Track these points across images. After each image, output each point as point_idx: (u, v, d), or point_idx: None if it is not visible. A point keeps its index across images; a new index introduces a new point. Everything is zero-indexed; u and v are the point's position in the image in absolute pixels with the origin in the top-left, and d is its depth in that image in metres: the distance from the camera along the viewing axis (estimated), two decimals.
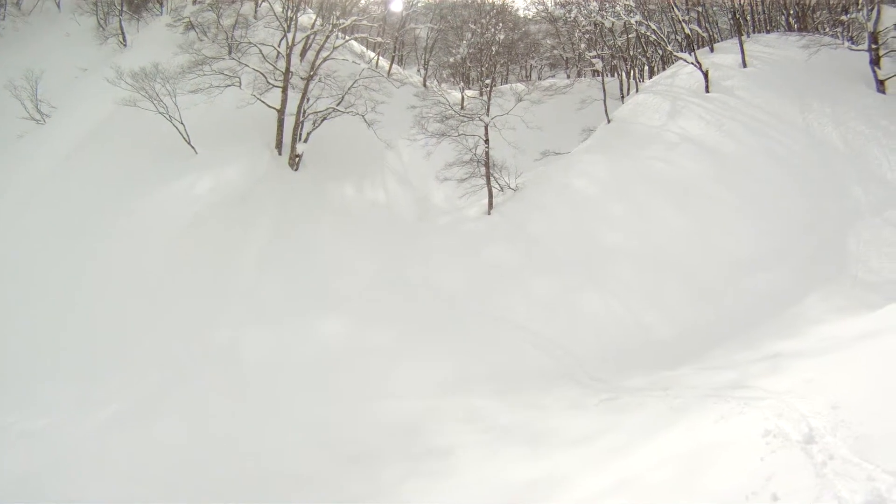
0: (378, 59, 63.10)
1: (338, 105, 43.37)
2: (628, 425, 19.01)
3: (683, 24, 46.21)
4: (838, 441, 11.82)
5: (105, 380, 26.47)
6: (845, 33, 43.27)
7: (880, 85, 37.21)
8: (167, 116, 39.97)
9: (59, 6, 64.15)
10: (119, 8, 58.42)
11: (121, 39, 56.07)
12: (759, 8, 51.18)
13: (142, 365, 27.51)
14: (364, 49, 63.56)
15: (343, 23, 46.35)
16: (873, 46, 37.37)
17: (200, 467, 21.05)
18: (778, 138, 35.43)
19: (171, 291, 31.87)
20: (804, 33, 42.72)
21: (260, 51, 43.57)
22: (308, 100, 43.15)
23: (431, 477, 19.71)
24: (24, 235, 35.04)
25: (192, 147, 40.56)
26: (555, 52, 69.64)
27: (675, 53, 47.18)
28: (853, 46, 39.71)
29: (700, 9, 50.72)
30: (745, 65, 41.70)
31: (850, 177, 31.99)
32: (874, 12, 36.77)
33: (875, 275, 26.69)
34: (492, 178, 41.40)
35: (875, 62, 37.65)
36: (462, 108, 46.92)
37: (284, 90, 42.77)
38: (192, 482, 20.30)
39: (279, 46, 44.77)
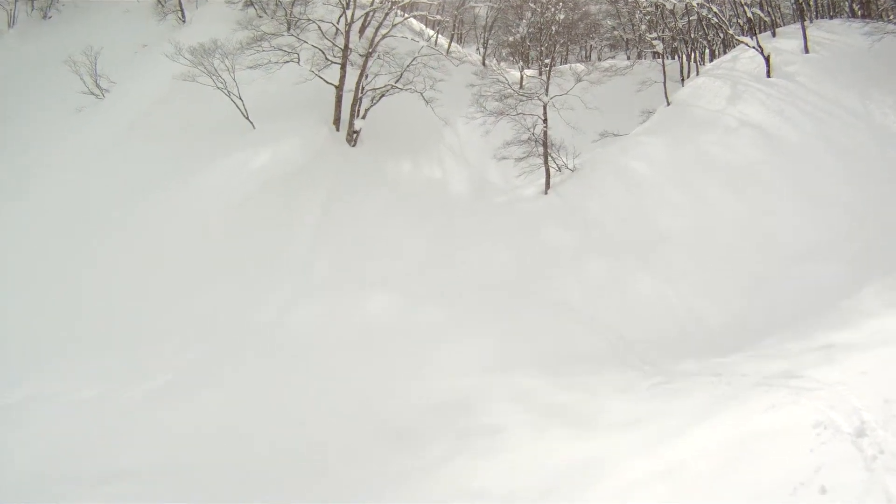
0: (437, 36, 63.05)
1: (396, 82, 43.37)
2: (678, 411, 18.98)
3: (745, 8, 45.51)
4: (890, 436, 11.73)
5: (155, 351, 26.95)
6: None
7: None
8: (226, 92, 40.32)
9: None
10: None
11: (179, 16, 56.64)
12: None
13: (192, 337, 28.01)
14: (423, 27, 63.47)
15: (402, 0, 46.33)
16: None
17: (247, 437, 21.37)
18: (838, 127, 34.95)
19: (224, 264, 32.28)
20: (868, 20, 41.88)
21: (319, 27, 43.62)
22: (367, 76, 43.19)
23: (479, 454, 19.73)
24: (84, 207, 35.65)
25: (251, 122, 40.91)
26: (615, 32, 69.09)
27: (736, 37, 46.72)
28: None
29: None
30: (807, 50, 41.06)
31: None
32: None
33: None
34: (549, 158, 41.34)
35: None
36: (521, 87, 46.70)
37: (343, 66, 42.82)
38: (238, 451, 20.61)
39: (338, 23, 44.74)
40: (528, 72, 54.26)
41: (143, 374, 25.42)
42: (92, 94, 47.99)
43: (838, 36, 41.46)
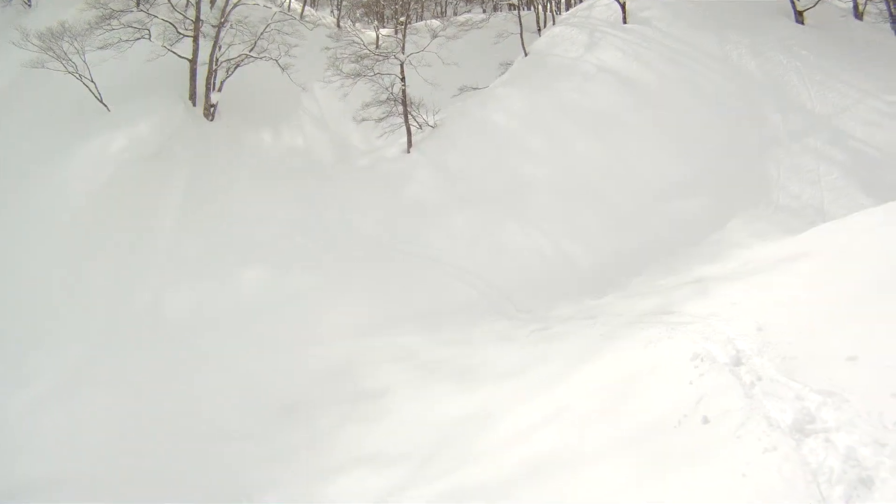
0: (290, 1, 61.97)
1: (251, 51, 42.24)
2: (557, 356, 19.11)
3: None
4: (765, 362, 11.85)
5: (29, 357, 25.37)
6: None
7: (798, 16, 37.78)
8: (77, 76, 38.47)
9: None
10: None
11: (25, 0, 54.20)
12: None
13: (66, 337, 26.47)
14: None
15: None
16: None
17: (134, 432, 20.60)
18: (696, 69, 35.68)
19: (88, 257, 30.74)
20: None
21: (168, 0, 42.31)
22: (220, 48, 41.90)
23: (366, 419, 19.73)
24: None
25: (105, 105, 39.24)
26: None
27: None
28: None
29: None
30: None
31: (768, 105, 32.47)
32: None
33: (795, 200, 27.25)
34: (410, 117, 41.03)
35: None
36: (377, 47, 46.26)
37: (196, 39, 41.39)
38: (127, 448, 19.87)
39: None
40: (383, 31, 53.89)
41: (19, 382, 24.04)
42: None
43: None
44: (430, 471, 15.77)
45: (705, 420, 10.96)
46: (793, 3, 38.00)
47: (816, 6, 37.71)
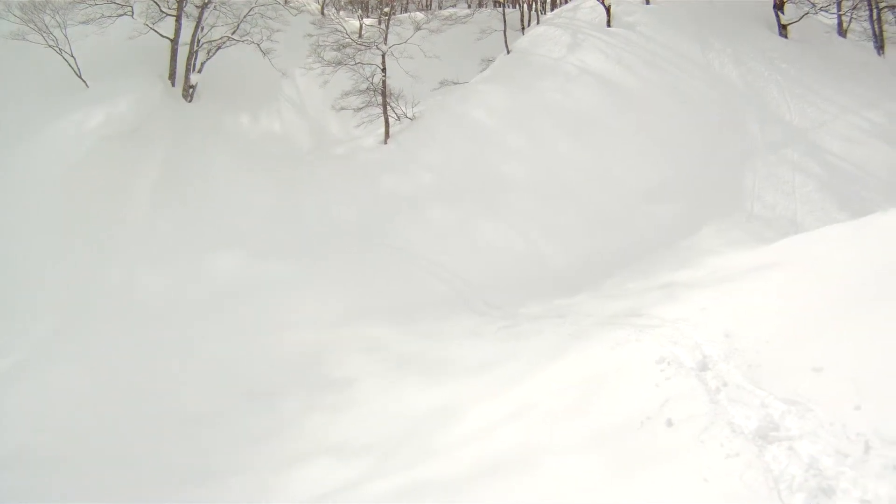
0: None
1: (233, 34, 41.99)
2: (525, 353, 19.12)
3: None
4: (732, 368, 11.91)
5: None
6: None
7: (782, 29, 38.15)
8: (57, 50, 37.96)
9: None
10: None
11: None
12: None
13: (34, 313, 26.09)
14: None
15: None
16: None
17: (101, 411, 20.37)
18: (678, 74, 35.90)
19: (60, 235, 30.38)
20: None
21: None
22: (202, 28, 41.51)
23: (333, 409, 19.62)
24: None
25: (84, 81, 38.80)
26: None
27: None
28: None
29: None
30: (647, 1, 41.88)
31: (748, 115, 32.80)
32: None
33: (770, 210, 27.50)
34: (388, 108, 40.93)
35: (779, 7, 38.73)
36: (360, 36, 46.18)
37: (178, 18, 40.97)
38: (93, 426, 19.64)
39: None
40: (367, 21, 53.64)
41: None
42: None
43: None
44: (392, 463, 15.68)
45: (669, 423, 10.95)
46: (777, 16, 38.34)
47: (801, 21, 38.00)
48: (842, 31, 39.97)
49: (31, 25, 37.11)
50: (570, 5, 46.97)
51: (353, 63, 41.03)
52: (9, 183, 31.73)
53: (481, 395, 17.08)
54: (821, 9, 39.31)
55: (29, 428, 19.84)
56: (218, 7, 41.55)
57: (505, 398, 16.09)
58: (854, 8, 39.34)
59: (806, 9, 38.52)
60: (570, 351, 17.45)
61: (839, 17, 40.03)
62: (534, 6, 54.60)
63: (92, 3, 38.83)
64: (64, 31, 37.81)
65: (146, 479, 17.05)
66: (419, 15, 50.54)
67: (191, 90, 40.91)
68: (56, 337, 24.78)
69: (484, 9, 62.24)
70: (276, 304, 26.71)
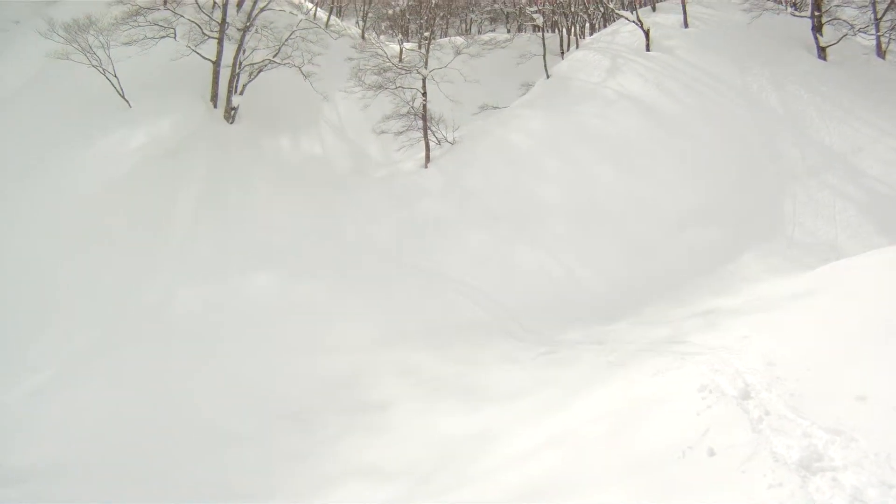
0: (316, 10, 61.99)
1: (274, 57, 42.28)
2: (563, 380, 19.06)
3: None
4: (774, 397, 11.82)
5: (34, 345, 25.43)
6: None
7: (821, 52, 37.85)
8: (100, 70, 38.41)
9: None
10: None
11: None
12: None
13: (72, 327, 26.47)
14: (302, 0, 62.52)
15: None
16: (816, 13, 37.97)
17: (134, 426, 20.59)
18: (716, 99, 35.72)
19: (101, 251, 30.76)
20: None
21: (195, 1, 42.24)
22: (244, 51, 41.97)
23: (367, 432, 19.62)
24: None
25: (126, 100, 39.24)
26: (495, 6, 69.06)
27: (616, 11, 47.19)
28: (796, 12, 40.28)
29: None
30: (686, 25, 41.83)
31: (787, 139, 32.53)
32: None
33: (810, 236, 27.25)
34: (429, 132, 41.00)
35: (817, 29, 38.31)
36: (400, 60, 46.32)
37: (220, 41, 41.37)
38: (126, 441, 19.86)
39: None
40: (407, 45, 53.88)
41: (22, 369, 24.05)
42: None
43: (717, 11, 42.46)
44: (429, 488, 15.65)
45: (711, 452, 10.87)
46: (816, 38, 38.05)
47: (839, 43, 37.74)
48: (881, 53, 39.65)
49: (75, 45, 37.60)
50: (609, 30, 46.97)
51: (393, 87, 41.16)
52: (52, 199, 32.21)
53: (519, 422, 17.04)
54: (859, 30, 39.09)
55: (59, 441, 20.13)
56: (259, 30, 41.87)
57: (543, 425, 16.05)
58: (893, 29, 39.02)
59: (844, 30, 38.26)
60: (610, 378, 17.40)
61: (878, 38, 39.70)
62: (573, 30, 54.58)
63: (135, 24, 39.27)
64: (107, 51, 38.14)
65: (172, 497, 17.18)
66: (459, 39, 50.52)
67: (232, 112, 41.18)
68: (91, 352, 25.07)
69: (523, 33, 62.45)
70: (311, 326, 26.78)
